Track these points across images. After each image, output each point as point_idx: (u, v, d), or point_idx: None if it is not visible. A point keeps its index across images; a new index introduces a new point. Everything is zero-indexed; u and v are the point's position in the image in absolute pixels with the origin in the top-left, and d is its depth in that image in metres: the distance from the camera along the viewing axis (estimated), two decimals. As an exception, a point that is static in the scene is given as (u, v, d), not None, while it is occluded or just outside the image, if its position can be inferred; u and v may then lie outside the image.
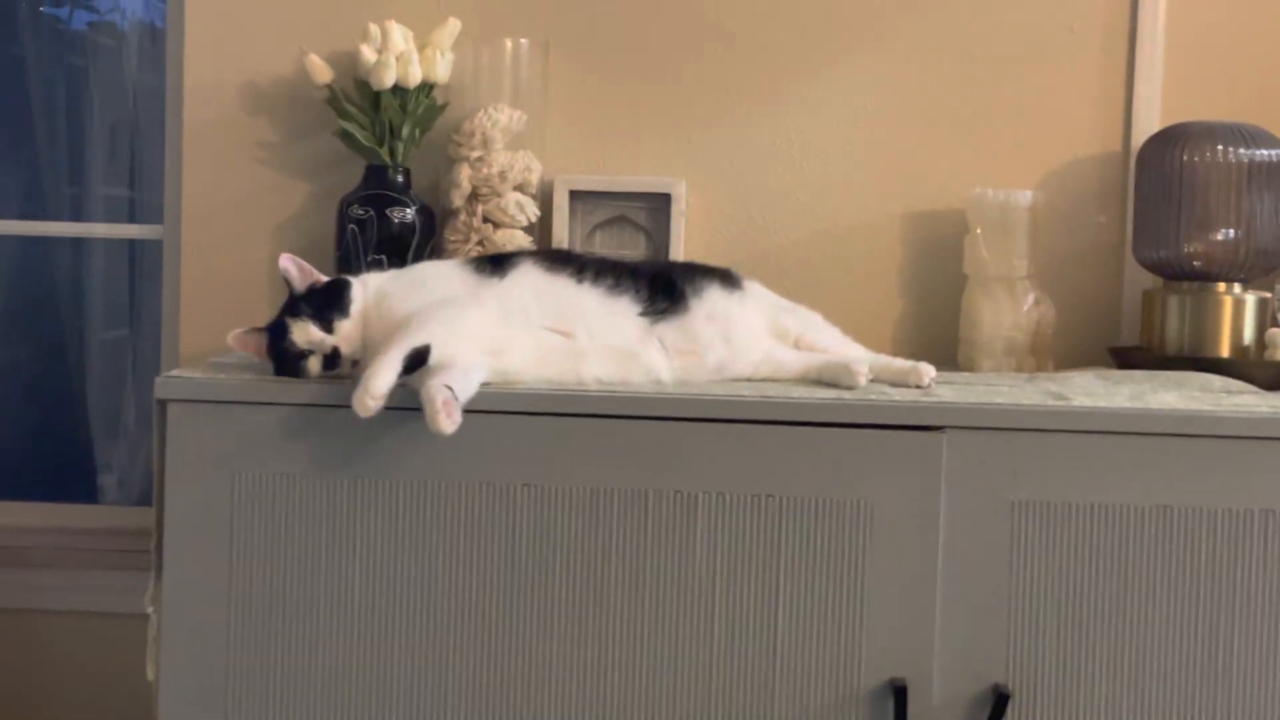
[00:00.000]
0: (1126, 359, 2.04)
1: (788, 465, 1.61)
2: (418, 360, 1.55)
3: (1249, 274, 2.02)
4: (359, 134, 2.09)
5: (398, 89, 2.07)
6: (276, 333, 1.66)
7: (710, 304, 1.77)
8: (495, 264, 1.74)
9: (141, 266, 2.81)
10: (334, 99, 2.12)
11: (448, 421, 1.50)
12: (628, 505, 1.62)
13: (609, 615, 1.62)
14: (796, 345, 1.82)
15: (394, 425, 1.59)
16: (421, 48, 2.10)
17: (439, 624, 1.63)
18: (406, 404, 1.55)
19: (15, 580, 2.35)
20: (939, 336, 2.18)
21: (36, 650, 2.38)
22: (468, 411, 1.54)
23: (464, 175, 2.11)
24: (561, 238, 2.15)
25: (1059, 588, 1.60)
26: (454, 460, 1.62)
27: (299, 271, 1.69)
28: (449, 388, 1.52)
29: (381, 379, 1.52)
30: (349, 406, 1.54)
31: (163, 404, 1.64)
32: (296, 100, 2.21)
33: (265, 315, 1.76)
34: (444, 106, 2.14)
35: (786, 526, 1.61)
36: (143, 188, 2.76)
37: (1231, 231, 1.99)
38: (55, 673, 2.38)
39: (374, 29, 2.08)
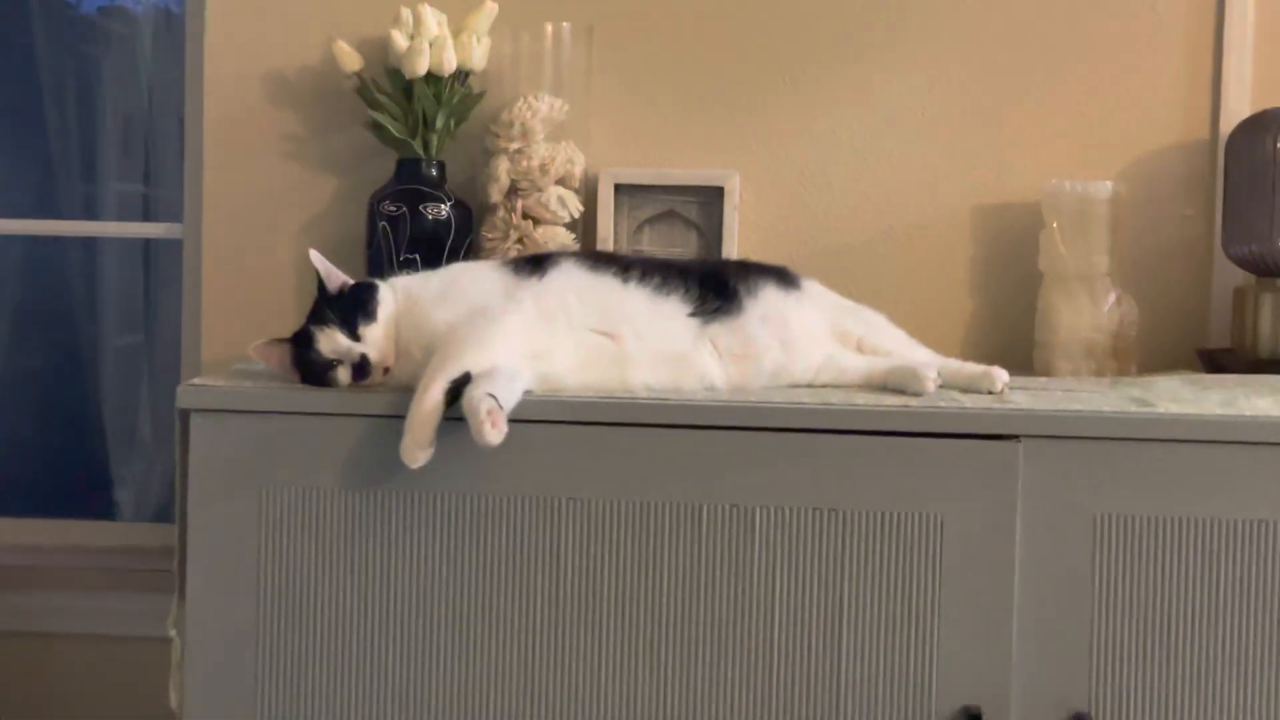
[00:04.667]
0: (1216, 362, 2.05)
1: (851, 477, 1.61)
2: (460, 388, 1.57)
3: (1349, 271, 2.01)
4: (390, 125, 2.12)
5: (431, 77, 2.10)
6: (302, 341, 1.69)
7: (765, 304, 1.78)
8: (534, 264, 1.76)
9: (156, 267, 2.87)
10: (364, 89, 2.16)
11: (494, 433, 1.51)
12: (679, 520, 1.63)
13: (659, 636, 1.63)
14: (859, 349, 1.83)
15: (432, 436, 1.59)
16: (456, 33, 2.13)
17: (480, 644, 1.65)
18: (446, 414, 1.58)
19: (27, 602, 2.37)
20: (1013, 339, 2.18)
21: (50, 676, 2.39)
22: (511, 421, 1.55)
23: (502, 168, 2.13)
24: (607, 234, 2.17)
25: (1145, 608, 1.59)
26: (496, 472, 1.63)
27: (327, 271, 1.73)
28: (493, 396, 1.53)
29: (427, 425, 1.54)
30: (384, 416, 1.59)
31: (185, 414, 1.66)
32: (324, 90, 2.24)
33: (291, 320, 1.81)
34: (480, 95, 2.18)
35: (851, 543, 1.62)
36: (158, 184, 2.83)
37: (1330, 225, 1.98)
38: (71, 700, 2.39)
39: (406, 13, 2.12)
